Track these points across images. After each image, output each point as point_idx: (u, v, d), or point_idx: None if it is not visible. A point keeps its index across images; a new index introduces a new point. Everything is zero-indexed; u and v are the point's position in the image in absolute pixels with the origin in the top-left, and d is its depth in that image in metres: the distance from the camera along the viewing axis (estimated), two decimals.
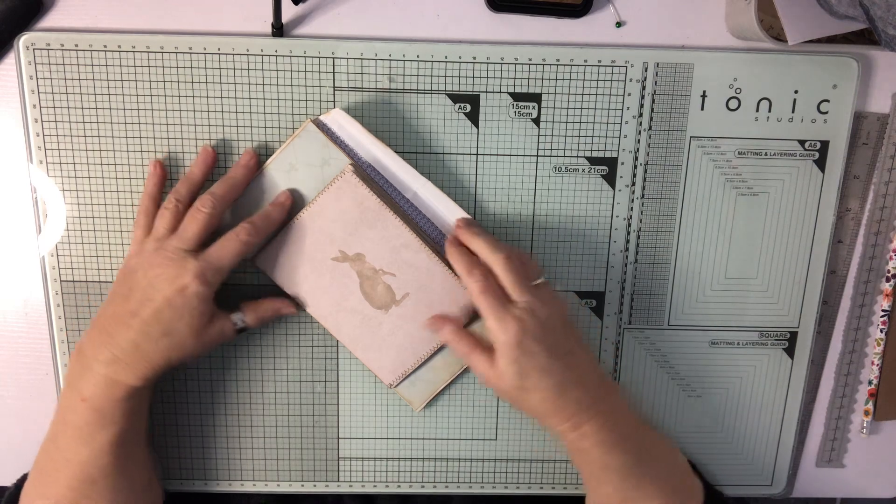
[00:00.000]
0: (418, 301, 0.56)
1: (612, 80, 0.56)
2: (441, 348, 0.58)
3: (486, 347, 0.52)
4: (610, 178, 0.58)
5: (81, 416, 0.51)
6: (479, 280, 0.51)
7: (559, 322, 0.52)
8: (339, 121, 0.55)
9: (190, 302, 0.50)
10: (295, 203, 0.55)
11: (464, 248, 0.54)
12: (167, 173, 0.56)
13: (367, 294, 0.56)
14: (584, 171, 0.58)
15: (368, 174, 0.55)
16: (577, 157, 0.58)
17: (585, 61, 0.56)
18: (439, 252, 0.56)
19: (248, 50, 0.55)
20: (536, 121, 0.57)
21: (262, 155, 0.56)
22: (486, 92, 0.56)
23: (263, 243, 0.55)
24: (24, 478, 0.57)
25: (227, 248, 0.51)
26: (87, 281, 0.58)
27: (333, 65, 0.55)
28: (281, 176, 0.55)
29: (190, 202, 0.53)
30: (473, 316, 0.56)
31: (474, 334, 0.54)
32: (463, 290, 0.55)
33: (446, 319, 0.55)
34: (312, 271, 0.56)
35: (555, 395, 0.51)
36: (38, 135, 0.55)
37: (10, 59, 0.55)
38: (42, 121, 0.55)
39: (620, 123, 0.57)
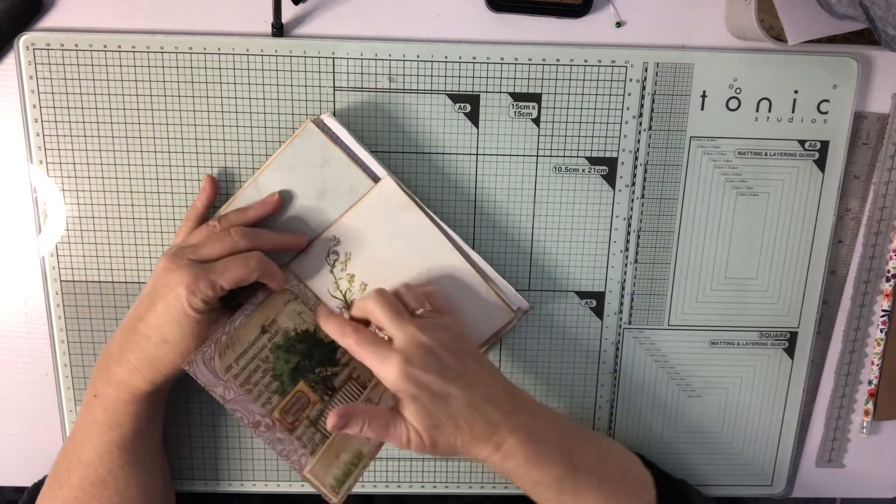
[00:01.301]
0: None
1: (612, 80, 0.56)
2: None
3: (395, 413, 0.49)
4: (610, 178, 0.58)
5: (92, 415, 0.52)
6: (351, 335, 0.50)
7: (446, 344, 0.49)
8: (337, 122, 0.55)
9: (182, 310, 0.49)
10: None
11: (334, 316, 0.53)
12: (218, 190, 0.56)
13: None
14: (584, 171, 0.58)
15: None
16: (577, 157, 0.58)
17: (585, 61, 0.56)
18: (478, 267, 0.56)
19: (248, 50, 0.55)
20: (536, 121, 0.57)
21: (262, 155, 0.56)
22: (486, 92, 0.56)
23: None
24: (39, 483, 0.57)
25: (231, 267, 0.50)
26: (87, 281, 0.58)
27: (333, 65, 0.55)
28: (281, 176, 0.55)
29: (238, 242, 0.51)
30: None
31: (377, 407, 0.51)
32: (493, 303, 0.55)
33: (343, 409, 0.49)
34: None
35: (463, 419, 0.48)
36: (38, 135, 0.55)
37: (10, 59, 0.55)
38: (42, 121, 0.55)
39: (620, 123, 0.57)
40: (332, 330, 0.52)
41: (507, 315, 0.57)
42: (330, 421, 0.48)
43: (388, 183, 0.54)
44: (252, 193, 0.55)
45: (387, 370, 0.48)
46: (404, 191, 0.55)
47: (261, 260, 0.51)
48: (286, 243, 0.54)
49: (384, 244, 0.55)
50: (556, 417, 0.53)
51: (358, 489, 0.63)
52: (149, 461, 0.55)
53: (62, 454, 0.55)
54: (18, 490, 0.65)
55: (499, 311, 0.56)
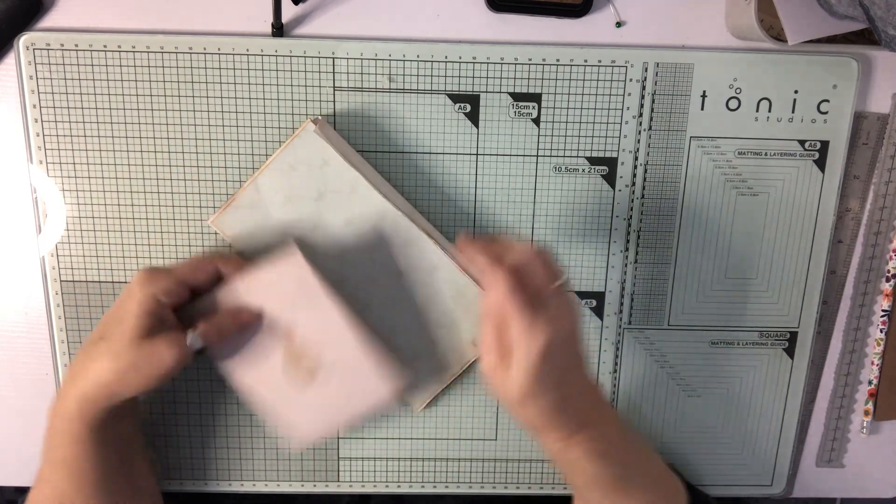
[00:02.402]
0: (338, 383, 0.54)
1: (612, 80, 0.56)
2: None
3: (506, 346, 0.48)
4: (610, 178, 0.58)
5: (52, 427, 0.51)
6: (507, 277, 0.46)
7: (575, 333, 0.50)
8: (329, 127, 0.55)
9: (129, 306, 0.48)
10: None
11: (479, 244, 0.49)
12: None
13: (289, 371, 0.54)
14: (584, 171, 0.58)
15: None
16: (577, 157, 0.58)
17: (585, 61, 0.56)
18: (367, 340, 0.54)
19: (248, 50, 0.55)
20: (536, 121, 0.57)
21: (262, 155, 0.56)
22: (486, 92, 0.56)
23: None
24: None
25: (189, 263, 0.51)
26: (87, 281, 0.58)
27: (333, 65, 0.55)
28: (281, 176, 0.55)
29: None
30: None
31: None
32: (380, 381, 0.54)
33: (498, 272, 0.47)
34: (240, 336, 0.53)
35: (556, 409, 0.48)
36: (38, 135, 0.55)
37: (10, 59, 0.55)
38: (42, 121, 0.55)
39: (620, 123, 0.57)
40: (481, 254, 0.48)
41: (384, 390, 0.55)
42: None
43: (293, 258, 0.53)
44: (252, 194, 0.55)
45: (529, 338, 0.46)
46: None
47: (216, 254, 0.51)
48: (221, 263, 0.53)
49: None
50: (615, 414, 0.54)
51: (360, 489, 0.63)
52: (132, 465, 0.54)
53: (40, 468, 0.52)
54: (19, 490, 0.65)
55: (379, 391, 0.55)
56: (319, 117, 0.55)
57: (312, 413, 0.55)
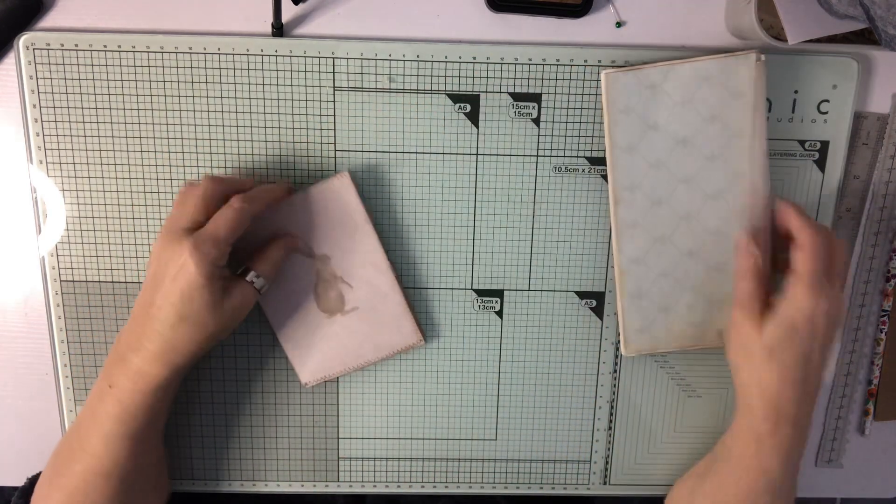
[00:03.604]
0: (364, 319, 0.56)
1: None
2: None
3: (766, 300, 0.50)
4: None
5: (105, 406, 0.51)
6: (820, 243, 0.49)
7: (837, 329, 0.51)
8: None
9: (195, 280, 0.47)
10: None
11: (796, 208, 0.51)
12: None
13: (319, 296, 0.56)
14: (584, 171, 0.58)
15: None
16: (577, 157, 0.58)
17: (585, 61, 0.56)
18: (401, 283, 0.57)
19: (248, 50, 0.55)
20: (536, 121, 0.57)
21: (263, 155, 0.56)
22: (486, 92, 0.56)
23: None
24: (36, 476, 0.57)
25: (222, 218, 0.49)
26: (87, 281, 0.58)
27: (333, 65, 0.55)
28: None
29: (219, 200, 0.50)
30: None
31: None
32: (409, 328, 0.56)
33: (753, 244, 0.51)
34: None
35: (789, 386, 0.49)
36: (38, 135, 0.55)
37: (10, 59, 0.55)
38: (42, 121, 0.55)
39: None
40: (798, 214, 0.51)
41: (412, 338, 0.58)
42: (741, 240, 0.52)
43: (344, 179, 0.55)
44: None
45: (809, 300, 0.48)
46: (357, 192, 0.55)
47: (244, 197, 0.49)
48: (273, 193, 0.53)
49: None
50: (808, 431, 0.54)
51: (360, 489, 0.63)
52: (154, 450, 0.55)
53: (65, 443, 0.54)
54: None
55: (408, 333, 0.58)
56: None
57: (331, 347, 0.57)
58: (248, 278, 0.52)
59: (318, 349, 0.57)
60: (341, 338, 0.57)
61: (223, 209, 0.49)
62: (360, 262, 0.55)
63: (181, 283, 0.48)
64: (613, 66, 0.55)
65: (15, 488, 0.61)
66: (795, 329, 0.49)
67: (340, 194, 0.55)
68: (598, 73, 0.56)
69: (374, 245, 0.55)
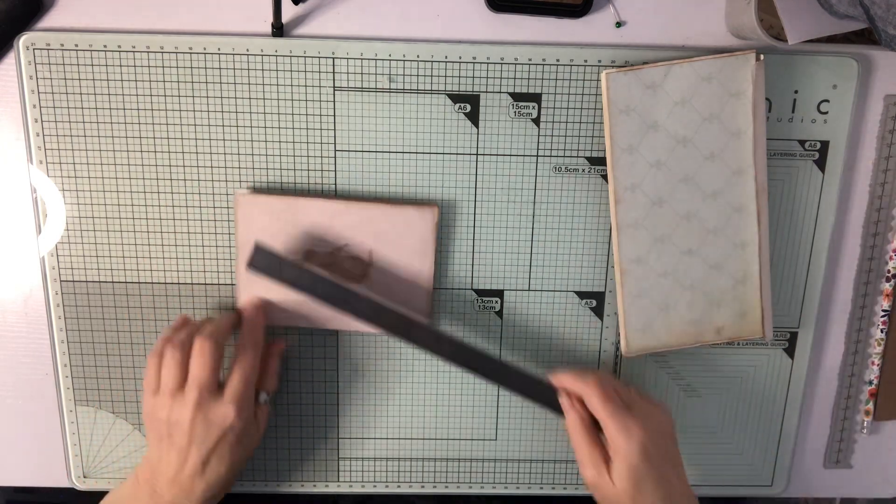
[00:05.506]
0: (385, 248, 0.56)
1: None
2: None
3: (603, 448, 0.52)
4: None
5: None
6: (599, 387, 0.52)
7: (670, 431, 0.53)
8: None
9: (239, 429, 0.53)
10: None
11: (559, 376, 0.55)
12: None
13: (342, 277, 0.56)
14: (584, 171, 0.58)
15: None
16: (577, 157, 0.58)
17: (585, 61, 0.56)
18: (368, 200, 0.57)
19: (248, 50, 0.55)
20: (536, 121, 0.57)
21: (263, 156, 0.56)
22: (486, 92, 0.56)
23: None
24: None
25: (242, 372, 0.53)
26: (87, 281, 0.58)
27: (333, 65, 0.55)
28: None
29: (189, 346, 0.53)
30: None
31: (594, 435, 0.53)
32: (414, 212, 0.56)
33: (574, 406, 0.54)
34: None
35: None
36: (38, 135, 0.55)
37: (10, 59, 0.55)
38: (42, 121, 0.55)
39: None
40: (567, 378, 0.54)
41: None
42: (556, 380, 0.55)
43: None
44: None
45: (625, 436, 0.50)
46: None
47: (251, 352, 0.54)
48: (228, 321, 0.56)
49: None
50: None
51: (360, 489, 0.63)
52: None
53: None
54: (19, 490, 0.65)
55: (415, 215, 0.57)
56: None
57: (392, 292, 0.57)
58: (260, 401, 0.56)
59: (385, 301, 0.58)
60: (388, 279, 0.57)
61: (239, 369, 0.54)
62: (328, 225, 0.56)
63: (232, 439, 0.53)
64: (614, 66, 0.55)
65: (15, 488, 0.61)
66: (637, 469, 0.50)
67: (254, 210, 0.55)
68: (599, 73, 0.56)
69: (319, 204, 0.55)
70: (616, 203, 0.56)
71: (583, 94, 0.56)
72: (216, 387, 0.53)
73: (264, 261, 0.54)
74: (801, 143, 0.58)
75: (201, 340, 0.52)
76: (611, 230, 0.58)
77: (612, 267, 0.60)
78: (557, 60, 0.56)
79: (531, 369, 0.58)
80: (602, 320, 0.61)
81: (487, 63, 0.55)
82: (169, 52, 0.54)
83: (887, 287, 0.61)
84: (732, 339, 0.59)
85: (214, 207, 0.57)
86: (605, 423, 0.51)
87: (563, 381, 0.55)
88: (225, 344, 0.54)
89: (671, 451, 0.53)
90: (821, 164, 0.58)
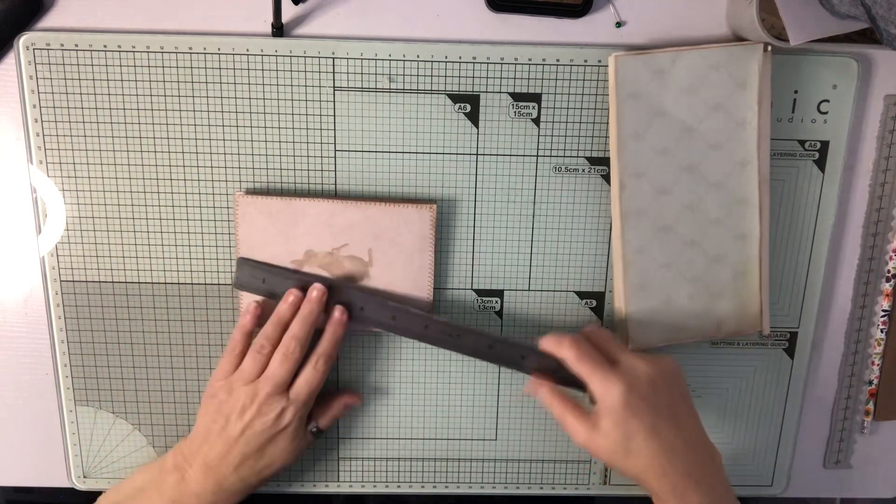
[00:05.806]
0: (384, 247, 0.56)
1: None
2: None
3: (583, 410, 0.52)
4: (610, 179, 0.58)
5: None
6: (572, 347, 0.51)
7: (667, 381, 0.51)
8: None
9: (289, 436, 0.55)
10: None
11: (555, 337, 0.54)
12: (264, 315, 0.56)
13: (342, 277, 0.57)
14: (584, 171, 0.58)
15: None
16: (577, 157, 0.58)
17: (585, 61, 0.56)
18: (367, 199, 0.57)
19: (248, 50, 0.55)
20: (536, 121, 0.57)
21: (263, 156, 0.56)
22: (486, 92, 0.56)
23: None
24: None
25: (311, 382, 0.54)
26: (87, 281, 0.58)
27: (333, 65, 0.55)
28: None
29: (277, 341, 0.54)
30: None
31: (570, 396, 0.53)
32: (413, 210, 0.56)
33: (541, 382, 0.54)
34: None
35: (661, 459, 0.49)
36: (38, 135, 0.55)
37: (10, 59, 0.55)
38: (42, 121, 0.55)
39: None
40: (548, 342, 0.53)
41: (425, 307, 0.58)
42: (529, 386, 0.55)
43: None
44: None
45: (605, 391, 0.49)
46: None
47: (327, 359, 0.55)
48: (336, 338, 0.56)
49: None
50: (731, 493, 0.53)
51: (360, 489, 0.63)
52: None
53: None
54: (18, 490, 0.65)
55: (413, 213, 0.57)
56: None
57: (394, 287, 0.58)
58: (309, 428, 0.57)
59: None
60: (388, 275, 0.57)
61: (309, 372, 0.54)
62: (326, 225, 0.56)
63: (280, 440, 0.54)
64: (623, 49, 0.55)
65: (15, 488, 0.61)
66: (621, 420, 0.49)
67: (253, 212, 0.55)
68: (607, 57, 0.56)
69: (316, 205, 0.56)
70: (620, 189, 0.56)
71: (583, 94, 0.56)
72: (286, 388, 0.54)
73: (250, 275, 0.56)
74: (801, 142, 0.58)
75: (289, 340, 0.54)
76: (611, 227, 0.58)
77: (612, 267, 0.60)
78: (557, 60, 0.56)
79: (518, 340, 0.58)
80: (602, 320, 0.61)
81: (487, 63, 0.55)
82: (169, 52, 0.54)
83: (887, 287, 0.61)
84: (732, 334, 0.59)
85: (214, 208, 0.57)
86: (586, 382, 0.51)
87: (544, 346, 0.54)
88: (304, 350, 0.55)
89: (667, 403, 0.51)
90: (821, 164, 0.58)
